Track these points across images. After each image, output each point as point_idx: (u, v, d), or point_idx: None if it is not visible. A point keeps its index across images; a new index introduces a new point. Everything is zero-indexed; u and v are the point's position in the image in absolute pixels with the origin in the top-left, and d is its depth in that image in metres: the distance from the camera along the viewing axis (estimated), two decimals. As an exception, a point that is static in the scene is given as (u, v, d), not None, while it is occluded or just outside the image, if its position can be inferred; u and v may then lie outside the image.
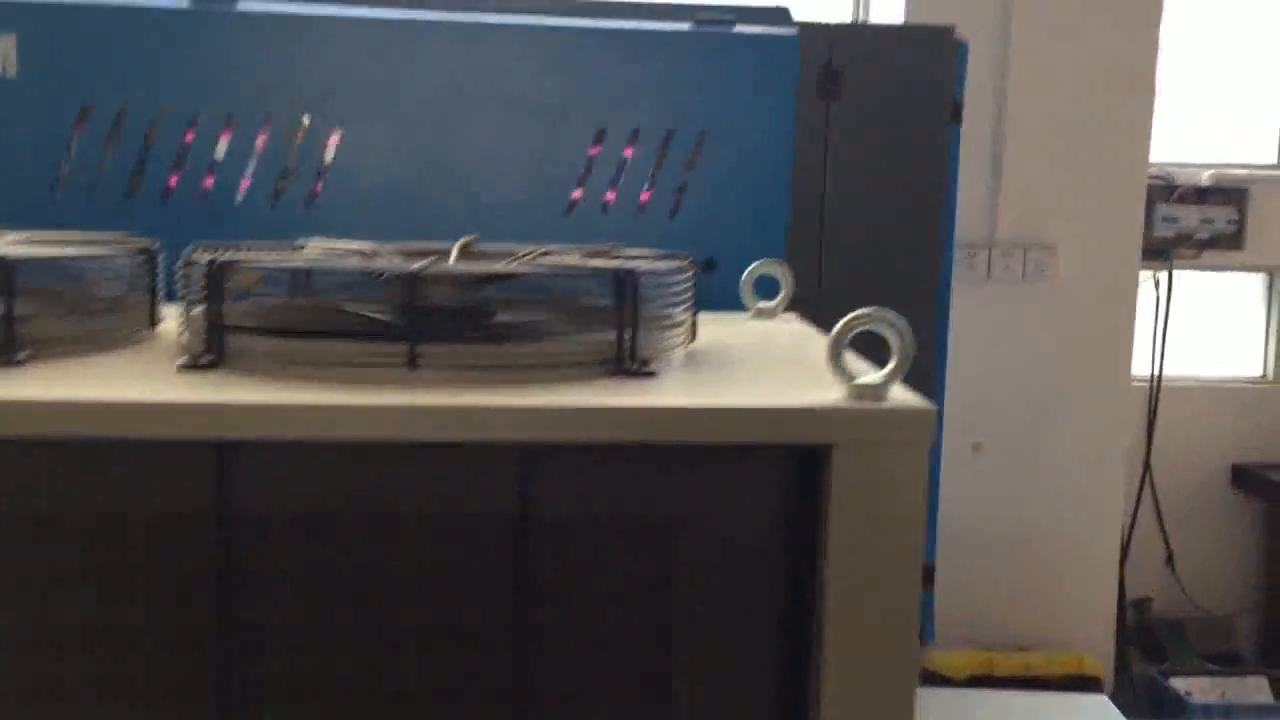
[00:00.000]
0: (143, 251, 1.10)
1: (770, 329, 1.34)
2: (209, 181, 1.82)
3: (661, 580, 0.89)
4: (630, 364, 0.97)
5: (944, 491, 2.94)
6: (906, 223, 2.01)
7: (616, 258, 1.12)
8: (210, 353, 0.95)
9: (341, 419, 0.84)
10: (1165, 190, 3.17)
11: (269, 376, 0.92)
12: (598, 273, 0.98)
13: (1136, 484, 3.28)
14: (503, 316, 1.01)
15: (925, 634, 2.14)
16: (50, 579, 0.85)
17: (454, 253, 1.13)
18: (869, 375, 0.90)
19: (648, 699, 0.89)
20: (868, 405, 0.88)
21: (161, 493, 0.85)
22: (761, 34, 1.96)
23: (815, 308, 2.00)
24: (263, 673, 0.87)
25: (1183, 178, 3.20)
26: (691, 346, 1.13)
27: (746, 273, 1.47)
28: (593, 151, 1.89)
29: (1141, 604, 3.40)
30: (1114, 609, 3.15)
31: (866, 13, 3.14)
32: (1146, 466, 3.30)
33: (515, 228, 1.84)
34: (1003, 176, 2.90)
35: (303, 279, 1.06)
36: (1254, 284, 3.44)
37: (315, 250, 1.08)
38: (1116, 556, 3.13)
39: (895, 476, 0.87)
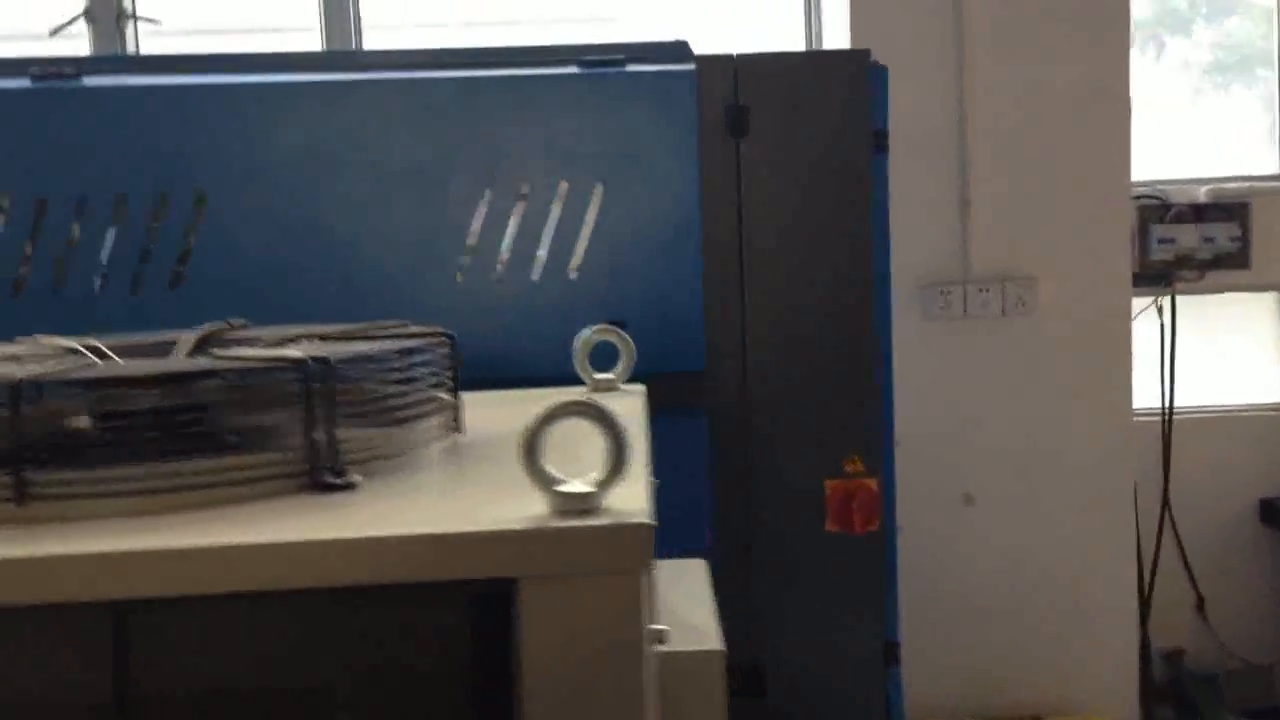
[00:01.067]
0: None
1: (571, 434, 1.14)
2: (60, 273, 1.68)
3: None
4: (325, 476, 0.78)
5: (935, 549, 2.74)
6: (833, 262, 1.83)
7: (376, 338, 0.94)
8: None
9: None
10: (1159, 210, 2.95)
11: None
12: (276, 365, 0.79)
13: (1155, 526, 3.04)
14: (176, 425, 0.83)
15: (895, 713, 1.94)
16: None
17: (186, 345, 0.96)
18: (572, 484, 0.70)
19: None
20: (563, 524, 0.69)
21: None
22: (656, 71, 1.80)
23: (740, 361, 1.84)
24: None
25: (1178, 196, 2.98)
26: (455, 439, 0.94)
27: (579, 341, 1.29)
28: (477, 212, 1.74)
29: (1172, 656, 3.13)
30: (1135, 664, 2.89)
31: (818, 43, 2.97)
32: (1165, 506, 3.06)
33: (399, 300, 1.68)
34: (971, 207, 2.70)
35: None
36: (1264, 304, 3.19)
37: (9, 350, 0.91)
38: (1134, 606, 2.88)
39: (598, 607, 0.68)
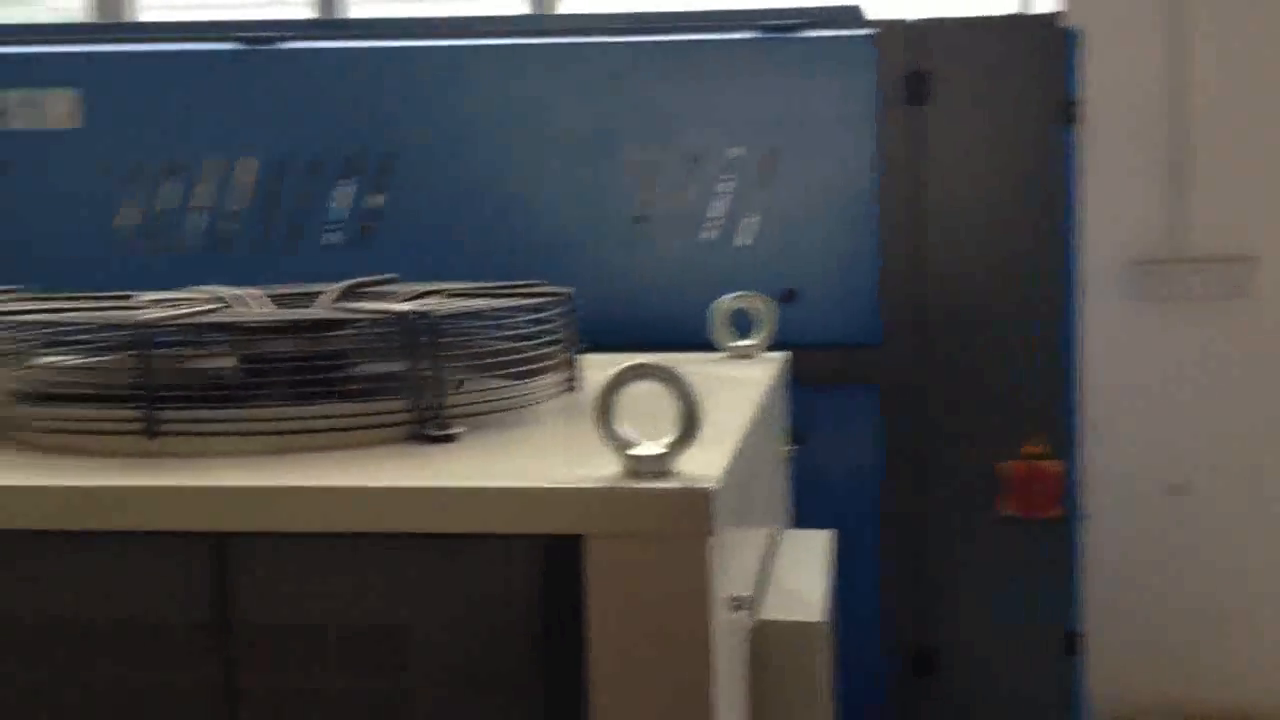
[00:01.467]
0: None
1: (717, 374, 1.14)
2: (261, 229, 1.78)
3: (393, 691, 0.73)
4: (428, 428, 0.81)
5: (1137, 543, 2.60)
6: (1017, 235, 1.76)
7: (499, 296, 0.96)
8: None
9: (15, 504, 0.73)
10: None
11: (20, 445, 0.82)
12: (383, 320, 0.82)
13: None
14: (306, 369, 0.87)
15: (1075, 710, 1.87)
16: None
17: (329, 297, 1.01)
18: (645, 446, 0.70)
19: None
20: (627, 485, 0.69)
21: None
22: (833, 37, 1.76)
23: (916, 336, 1.79)
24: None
25: None
26: (571, 398, 0.96)
27: (718, 306, 1.28)
28: (649, 178, 1.75)
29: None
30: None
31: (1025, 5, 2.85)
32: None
33: (572, 263, 1.72)
34: (1186, 181, 2.54)
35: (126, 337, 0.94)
36: None
37: (144, 300, 0.97)
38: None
39: (664, 570, 0.68)
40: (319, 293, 1.04)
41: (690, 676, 0.69)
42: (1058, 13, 1.75)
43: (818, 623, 0.85)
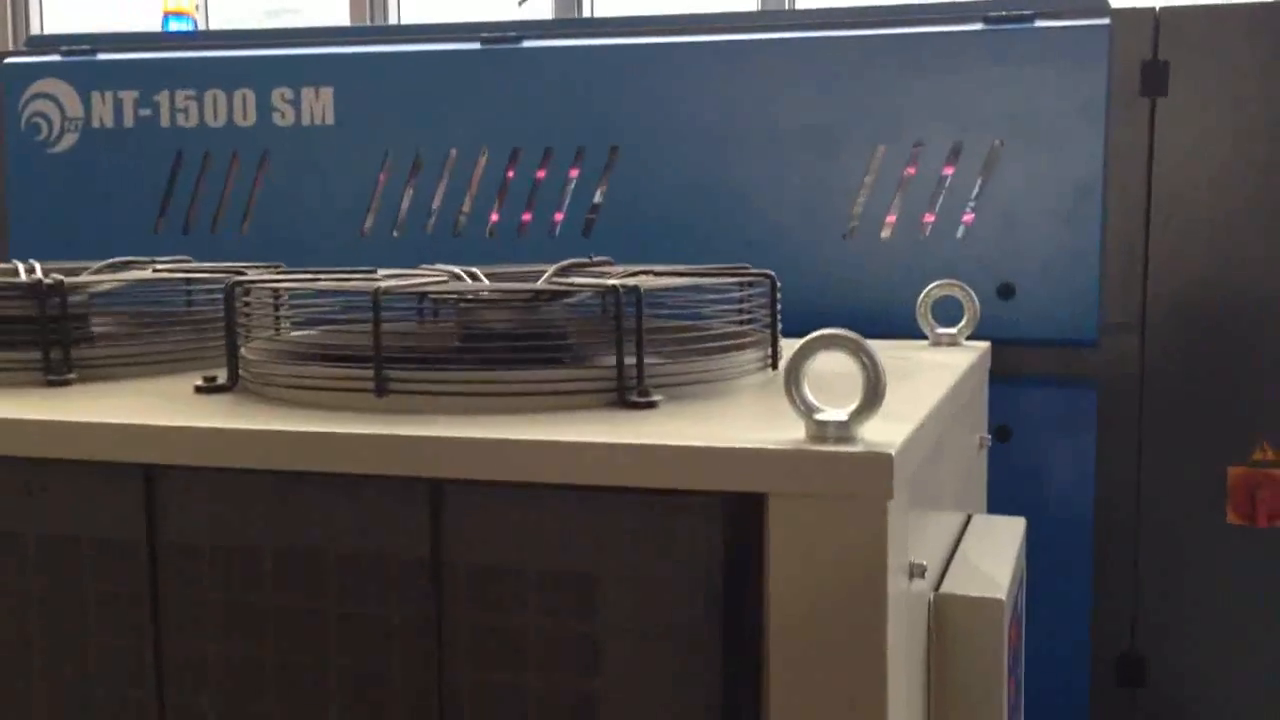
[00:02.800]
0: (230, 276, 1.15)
1: (918, 359, 1.15)
2: (494, 217, 1.89)
3: (582, 638, 0.78)
4: (629, 395, 0.87)
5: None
6: (1251, 235, 1.70)
7: (704, 276, 1.01)
8: (230, 374, 0.97)
9: (246, 447, 0.83)
10: None
11: (262, 402, 0.93)
12: (588, 292, 0.89)
13: None
14: (520, 339, 0.94)
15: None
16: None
17: (546, 274, 1.08)
18: (830, 412, 0.74)
19: None
20: (810, 447, 0.73)
21: (100, 518, 0.87)
22: (1066, 27, 1.73)
23: (1137, 335, 1.75)
24: (191, 703, 0.86)
25: None
26: (770, 375, 1.00)
27: (923, 295, 1.29)
28: (870, 171, 1.76)
29: None
30: None
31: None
32: None
33: (789, 257, 1.76)
34: None
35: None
36: None
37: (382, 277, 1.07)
38: None
39: (842, 532, 0.71)
40: (539, 272, 1.12)
41: (865, 634, 0.72)
42: (1305, 1, 1.68)
43: (999, 599, 0.86)
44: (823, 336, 0.74)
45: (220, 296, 1.02)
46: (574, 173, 1.85)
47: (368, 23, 3.24)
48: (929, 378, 0.98)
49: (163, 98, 2.07)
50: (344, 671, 0.84)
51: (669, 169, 1.81)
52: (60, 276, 1.03)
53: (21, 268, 1.15)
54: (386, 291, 0.88)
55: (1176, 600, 1.77)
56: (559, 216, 1.87)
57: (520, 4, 3.22)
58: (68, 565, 0.90)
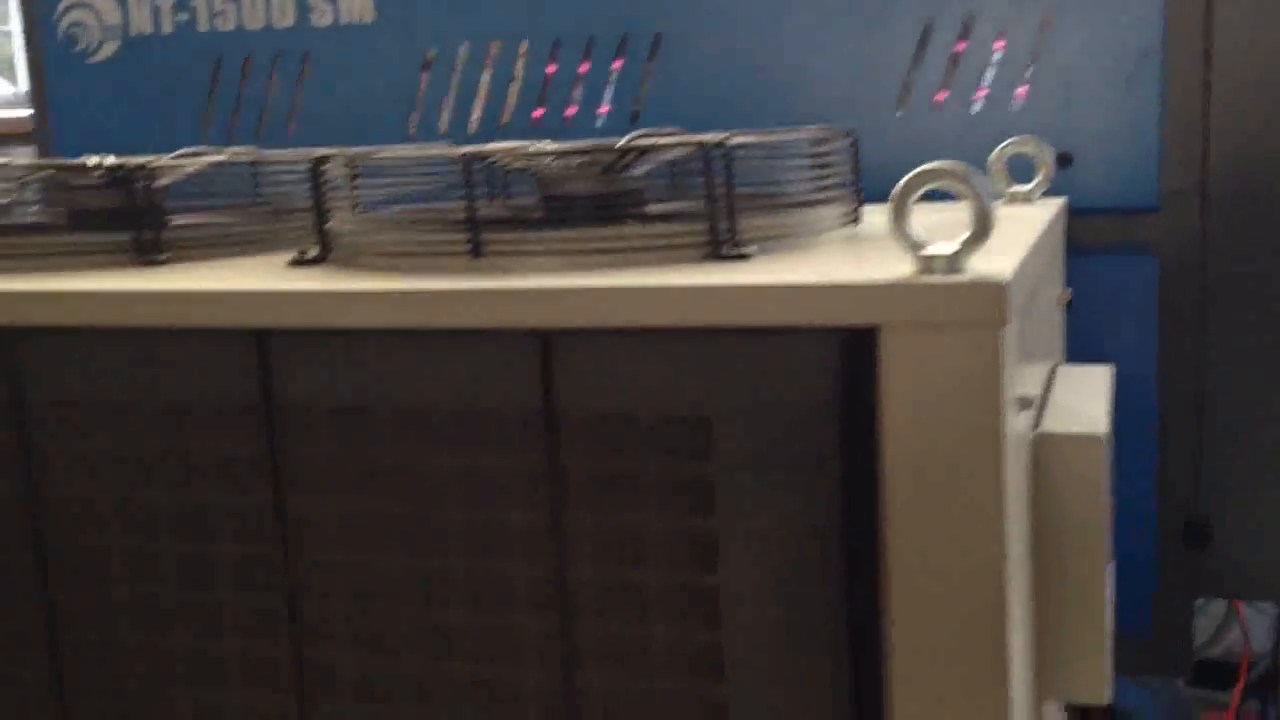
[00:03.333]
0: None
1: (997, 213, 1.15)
2: (538, 111, 1.88)
3: (699, 477, 0.80)
4: (724, 248, 0.87)
5: None
6: None
7: (757, 136, 1.00)
8: (321, 248, 0.97)
9: (361, 307, 0.84)
10: None
11: (358, 266, 0.94)
12: (685, 149, 0.89)
13: None
14: (607, 201, 0.95)
15: None
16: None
17: (619, 143, 1.08)
18: (937, 246, 0.74)
19: (695, 600, 0.81)
20: (922, 280, 0.73)
21: (216, 384, 0.89)
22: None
23: (1198, 201, 1.74)
24: (311, 560, 0.88)
25: None
26: (850, 230, 1.00)
27: (995, 152, 1.28)
28: (926, 43, 1.74)
29: None
30: None
31: None
32: None
33: (842, 125, 1.74)
34: None
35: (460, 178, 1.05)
36: None
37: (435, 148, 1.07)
38: None
39: (958, 362, 0.72)
40: (609, 143, 1.11)
41: (981, 460, 0.73)
42: None
43: (1100, 435, 0.87)
44: (928, 170, 0.74)
45: (292, 182, 1.02)
46: (617, 64, 1.83)
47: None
48: (1018, 228, 0.98)
49: (199, 2, 2.06)
50: (460, 523, 0.85)
51: (715, 53, 1.79)
52: (142, 160, 1.04)
53: (94, 158, 1.16)
54: (478, 154, 0.88)
55: (1240, 466, 1.78)
56: (604, 110, 1.85)
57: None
58: (186, 433, 0.92)
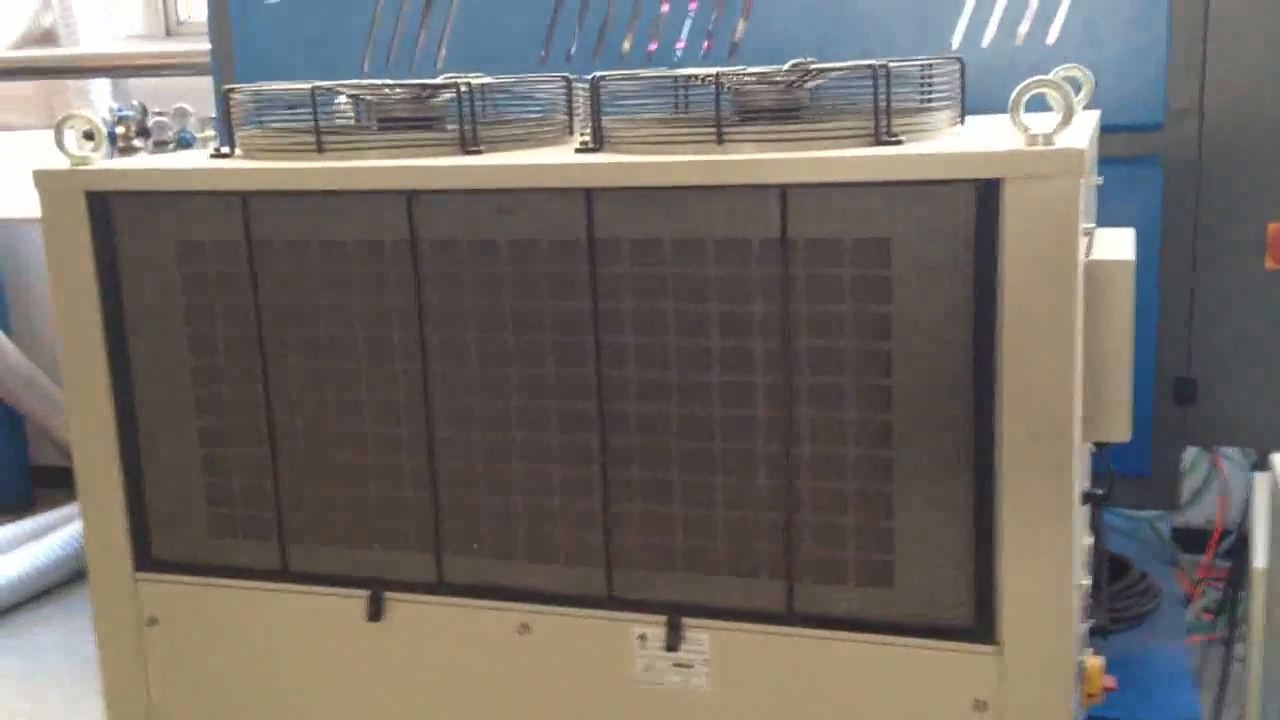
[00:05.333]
0: (564, 82, 1.61)
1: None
2: (653, 45, 2.29)
3: (883, 280, 1.27)
4: (884, 136, 1.32)
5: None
6: None
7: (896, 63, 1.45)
8: (595, 140, 1.42)
9: (660, 173, 1.29)
10: None
11: (624, 150, 1.40)
12: (859, 71, 1.34)
13: None
14: (795, 108, 1.40)
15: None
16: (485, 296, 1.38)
17: (784, 69, 1.51)
18: (1040, 128, 1.19)
19: (869, 377, 1.29)
20: (1030, 148, 1.18)
21: (553, 225, 1.35)
22: None
23: (1197, 119, 2.14)
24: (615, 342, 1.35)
25: None
26: (958, 127, 1.46)
27: (1053, 72, 1.71)
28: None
29: None
30: None
31: None
32: None
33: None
34: None
35: (683, 95, 1.50)
36: None
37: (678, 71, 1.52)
38: None
39: (1053, 202, 1.18)
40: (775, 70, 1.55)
41: (1066, 264, 1.19)
42: None
43: (1128, 262, 1.33)
44: (1038, 80, 1.19)
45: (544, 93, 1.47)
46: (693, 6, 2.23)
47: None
48: (1077, 121, 1.43)
49: (364, -50, 2.45)
50: (719, 315, 1.32)
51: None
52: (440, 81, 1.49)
53: (383, 83, 1.59)
54: (728, 78, 1.34)
55: (1223, 332, 2.19)
56: (707, 45, 2.26)
57: None
58: (531, 262, 1.38)
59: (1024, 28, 2.13)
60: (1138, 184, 2.15)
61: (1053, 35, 2.11)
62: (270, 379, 1.51)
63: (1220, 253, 2.15)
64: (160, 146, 3.40)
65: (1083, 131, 1.30)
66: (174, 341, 1.53)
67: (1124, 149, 2.13)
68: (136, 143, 3.42)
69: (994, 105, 1.95)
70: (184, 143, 3.37)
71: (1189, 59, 2.11)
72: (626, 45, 2.29)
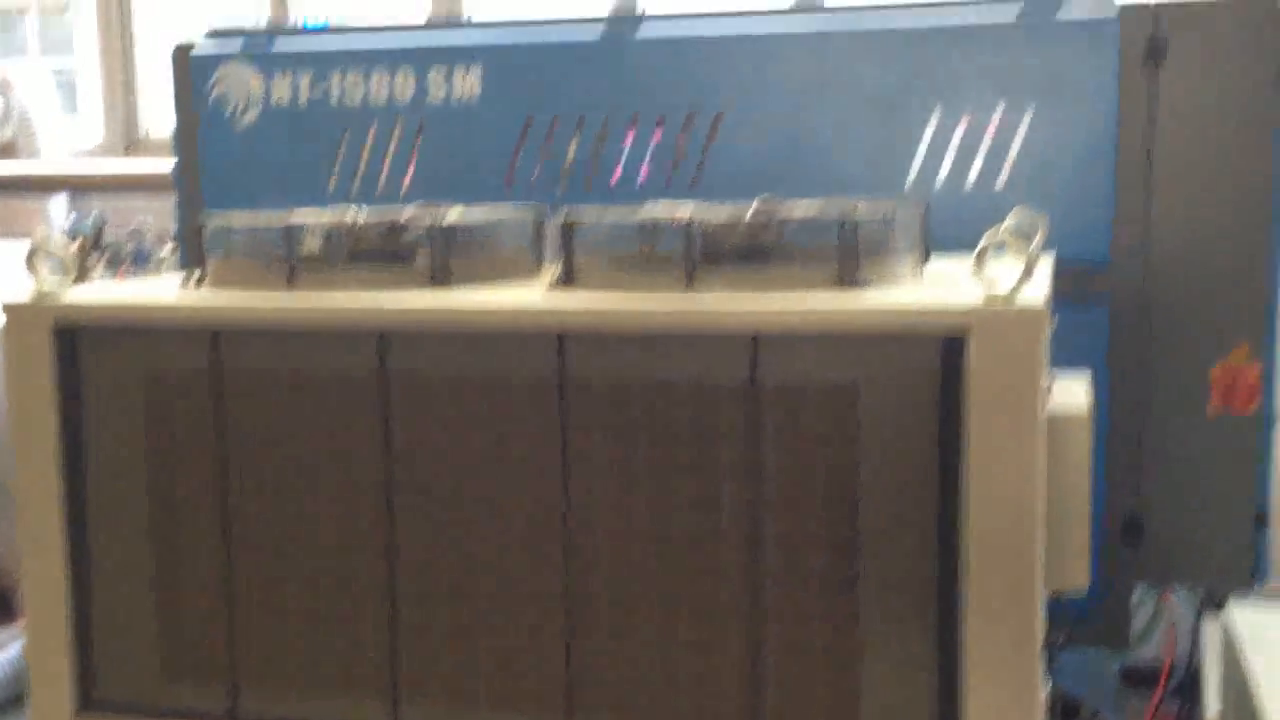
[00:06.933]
0: (535, 216, 1.64)
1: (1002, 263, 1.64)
2: (617, 173, 2.33)
3: (851, 428, 1.29)
4: (850, 281, 1.36)
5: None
6: (1233, 175, 2.11)
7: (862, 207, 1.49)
8: (566, 279, 1.44)
9: (633, 317, 1.31)
10: None
11: (595, 288, 1.41)
12: (827, 216, 1.38)
13: None
14: (762, 250, 1.43)
15: (1261, 567, 2.25)
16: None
17: (752, 207, 1.55)
18: (1003, 284, 1.23)
19: (836, 524, 1.30)
20: (995, 306, 1.22)
21: (519, 367, 1.36)
22: (1085, 19, 2.17)
23: (1142, 261, 2.21)
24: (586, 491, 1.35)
25: None
26: (920, 272, 1.50)
27: (1008, 219, 1.76)
28: (925, 133, 2.21)
29: None
30: None
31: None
32: None
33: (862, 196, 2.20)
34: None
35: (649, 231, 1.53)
36: None
37: (649, 211, 1.55)
38: None
39: (1017, 356, 1.21)
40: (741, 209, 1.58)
41: (1029, 415, 1.22)
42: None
43: (1085, 414, 1.36)
44: (995, 232, 1.23)
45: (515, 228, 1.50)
46: (682, 137, 2.29)
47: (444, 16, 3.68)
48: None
49: (334, 79, 2.49)
50: (689, 457, 1.33)
51: (761, 132, 2.24)
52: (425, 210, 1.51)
53: (350, 211, 1.60)
54: (698, 221, 1.37)
55: (1171, 473, 2.23)
56: (669, 175, 2.30)
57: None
58: (502, 402, 1.40)
59: (976, 164, 2.19)
60: (1085, 323, 2.20)
61: (1003, 176, 2.17)
62: (229, 516, 1.49)
63: (1167, 393, 2.20)
64: (116, 262, 3.39)
65: (1043, 283, 1.34)
66: (133, 474, 1.52)
67: (1071, 288, 2.19)
68: (92, 257, 3.41)
69: (948, 242, 2.04)
70: (140, 259, 3.37)
71: (1134, 200, 2.17)
72: (590, 175, 2.34)
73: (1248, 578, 2.22)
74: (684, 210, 1.47)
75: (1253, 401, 2.19)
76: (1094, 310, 2.18)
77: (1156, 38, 2.13)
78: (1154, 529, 2.21)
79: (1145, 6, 2.15)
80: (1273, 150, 2.14)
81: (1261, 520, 2.20)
